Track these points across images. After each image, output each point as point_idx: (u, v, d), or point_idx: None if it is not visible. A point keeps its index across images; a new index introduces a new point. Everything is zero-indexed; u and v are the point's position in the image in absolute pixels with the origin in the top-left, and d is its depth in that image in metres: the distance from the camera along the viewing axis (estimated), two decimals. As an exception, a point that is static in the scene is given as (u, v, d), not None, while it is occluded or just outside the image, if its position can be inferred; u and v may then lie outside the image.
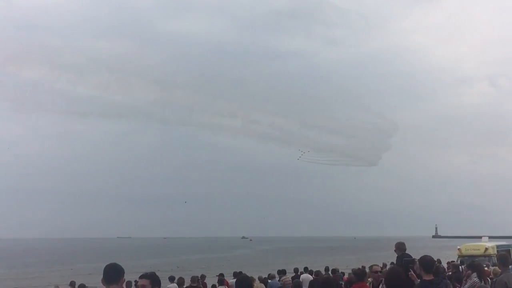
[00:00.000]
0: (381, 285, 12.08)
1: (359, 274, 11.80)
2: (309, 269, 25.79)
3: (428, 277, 9.11)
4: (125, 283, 8.92)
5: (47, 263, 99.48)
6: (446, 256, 45.25)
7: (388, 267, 22.05)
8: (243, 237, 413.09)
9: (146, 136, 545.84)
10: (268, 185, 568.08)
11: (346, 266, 52.03)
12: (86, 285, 20.32)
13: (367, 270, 14.84)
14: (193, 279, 20.53)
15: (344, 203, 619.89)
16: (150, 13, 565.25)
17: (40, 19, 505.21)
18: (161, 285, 7.72)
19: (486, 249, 29.88)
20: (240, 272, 22.40)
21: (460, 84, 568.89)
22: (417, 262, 10.05)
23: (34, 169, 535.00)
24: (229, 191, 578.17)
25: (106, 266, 6.41)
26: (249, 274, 20.14)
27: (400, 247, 14.22)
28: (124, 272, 6.45)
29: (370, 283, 14.51)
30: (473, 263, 17.60)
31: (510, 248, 33.10)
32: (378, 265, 14.94)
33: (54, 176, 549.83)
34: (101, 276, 6.60)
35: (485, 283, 15.52)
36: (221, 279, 23.60)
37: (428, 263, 9.24)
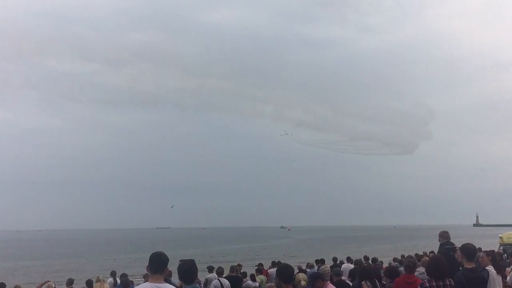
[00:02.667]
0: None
1: (411, 267, 11.61)
2: (350, 258, 25.64)
3: (469, 265, 9.11)
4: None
5: (87, 253, 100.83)
6: (487, 244, 44.60)
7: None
8: (282, 227, 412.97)
9: (181, 126, 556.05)
10: (303, 174, 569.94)
11: (385, 255, 51.70)
12: (128, 275, 20.45)
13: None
14: (232, 268, 20.57)
15: (383, 192, 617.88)
16: (184, 3, 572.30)
17: (75, 12, 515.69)
18: (198, 274, 7.66)
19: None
20: (279, 262, 22.42)
21: (499, 70, 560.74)
22: (458, 250, 9.95)
23: (77, 161, 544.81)
24: (265, 180, 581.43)
25: (152, 254, 6.37)
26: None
27: (443, 235, 14.17)
28: (168, 262, 6.44)
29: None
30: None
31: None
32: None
33: (95, 168, 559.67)
34: (140, 267, 6.63)
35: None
36: (260, 269, 23.66)
37: (469, 251, 9.19)
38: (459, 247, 10.37)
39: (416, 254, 25.68)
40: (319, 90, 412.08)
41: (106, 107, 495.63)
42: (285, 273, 7.97)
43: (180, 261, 6.75)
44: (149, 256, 6.51)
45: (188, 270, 6.80)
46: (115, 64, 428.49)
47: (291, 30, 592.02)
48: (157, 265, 6.27)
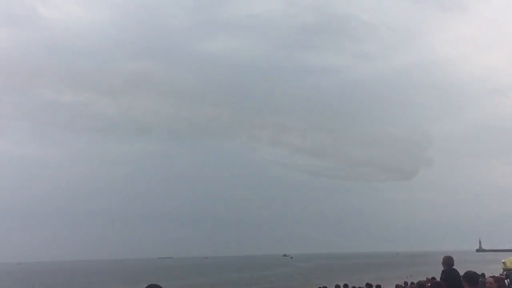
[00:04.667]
0: None
1: None
2: (349, 287, 25.16)
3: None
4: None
5: (92, 285, 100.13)
6: (491, 270, 44.14)
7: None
8: (284, 255, 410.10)
9: (177, 154, 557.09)
10: (304, 201, 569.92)
11: (388, 282, 50.96)
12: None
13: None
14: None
15: (384, 218, 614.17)
16: (181, 33, 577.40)
17: (69, 42, 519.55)
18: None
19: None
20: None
21: (496, 95, 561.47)
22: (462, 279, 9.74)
23: (75, 193, 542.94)
24: (266, 208, 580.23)
25: (148, 286, 6.10)
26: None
27: (447, 262, 13.79)
28: None
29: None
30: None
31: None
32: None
33: (94, 198, 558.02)
34: None
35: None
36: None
37: (472, 276, 9.14)
38: (462, 275, 10.17)
39: (419, 281, 25.18)
40: (316, 117, 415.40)
41: (101, 136, 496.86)
42: None
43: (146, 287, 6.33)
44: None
45: None
46: (110, 93, 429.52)
47: (288, 58, 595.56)
48: None
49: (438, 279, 13.89)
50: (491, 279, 10.91)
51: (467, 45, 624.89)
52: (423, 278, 30.72)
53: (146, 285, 6.13)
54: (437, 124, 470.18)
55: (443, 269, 13.87)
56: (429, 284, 17.11)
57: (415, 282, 23.58)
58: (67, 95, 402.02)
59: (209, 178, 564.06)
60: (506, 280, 22.20)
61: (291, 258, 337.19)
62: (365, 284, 28.41)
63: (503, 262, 30.06)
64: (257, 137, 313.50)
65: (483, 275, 27.42)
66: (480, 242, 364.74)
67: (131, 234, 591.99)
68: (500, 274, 29.30)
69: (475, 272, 9.51)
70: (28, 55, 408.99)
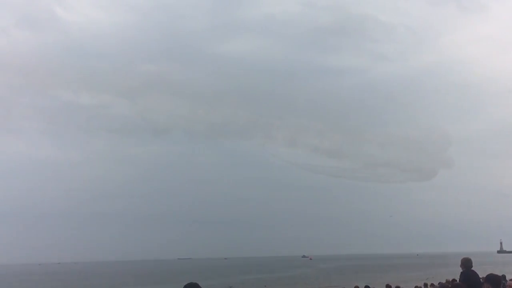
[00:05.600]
0: None
1: None
2: (370, 287, 25.06)
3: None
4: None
5: (115, 286, 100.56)
6: (510, 272, 43.57)
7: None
8: (303, 256, 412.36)
9: (194, 155, 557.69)
10: (322, 202, 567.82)
11: (408, 283, 50.63)
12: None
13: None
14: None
15: (404, 219, 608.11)
16: (199, 36, 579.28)
17: (91, 45, 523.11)
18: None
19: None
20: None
21: None
22: (484, 280, 9.67)
23: (94, 193, 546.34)
24: (285, 209, 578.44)
25: (186, 285, 6.31)
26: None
27: (465, 264, 13.64)
28: None
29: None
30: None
31: None
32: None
33: (111, 199, 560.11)
34: None
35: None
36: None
37: (495, 279, 9.09)
38: (484, 277, 10.02)
39: (440, 283, 25.00)
40: (334, 117, 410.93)
41: (119, 137, 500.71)
42: None
43: (184, 286, 6.42)
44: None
45: None
46: (127, 95, 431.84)
47: (305, 59, 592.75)
48: None
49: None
50: (511, 282, 10.81)
51: (486, 45, 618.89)
52: (443, 280, 30.50)
53: (171, 285, 6.23)
54: (457, 124, 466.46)
55: (461, 270, 13.77)
56: (450, 286, 17.07)
57: (435, 283, 23.46)
58: (84, 96, 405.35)
59: (226, 179, 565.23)
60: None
61: (311, 259, 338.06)
62: (385, 285, 28.25)
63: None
64: (273, 137, 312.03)
65: (503, 277, 27.09)
66: (501, 243, 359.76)
67: (150, 235, 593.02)
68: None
69: (497, 275, 9.42)
70: (46, 57, 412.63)
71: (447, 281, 25.52)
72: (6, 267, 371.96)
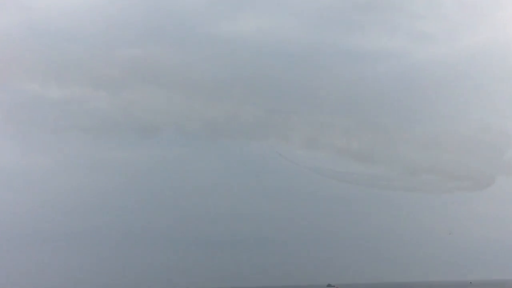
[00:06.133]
0: None
1: None
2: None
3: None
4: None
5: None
6: None
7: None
8: (329, 285, 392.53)
9: (191, 159, 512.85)
10: (349, 218, 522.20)
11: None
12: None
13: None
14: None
15: (453, 238, 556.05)
16: (195, 13, 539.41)
17: (59, 25, 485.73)
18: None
19: None
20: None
21: None
22: None
23: (66, 208, 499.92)
24: (302, 227, 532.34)
25: None
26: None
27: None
28: None
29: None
30: None
31: None
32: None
33: (89, 215, 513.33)
34: None
35: None
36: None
37: None
38: None
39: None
40: (365, 112, 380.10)
41: (96, 139, 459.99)
42: None
43: None
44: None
45: None
46: (107, 86, 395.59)
47: (328, 41, 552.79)
48: None
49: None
50: None
51: None
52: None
53: None
54: None
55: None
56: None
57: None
58: (53, 89, 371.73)
59: (230, 189, 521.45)
60: None
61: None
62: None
63: None
64: (289, 138, 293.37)
65: None
66: None
67: (135, 258, 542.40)
68: None
69: None
70: (4, 40, 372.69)
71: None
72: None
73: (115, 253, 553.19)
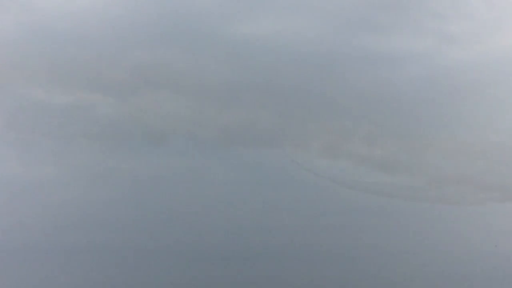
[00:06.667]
0: None
1: None
2: None
3: None
4: None
5: None
6: None
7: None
8: None
9: (205, 168, 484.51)
10: (374, 231, 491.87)
11: None
12: None
13: None
14: None
15: (486, 253, 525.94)
16: (209, 14, 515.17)
17: (65, 27, 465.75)
18: None
19: None
20: None
21: None
22: None
23: (72, 220, 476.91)
24: (326, 241, 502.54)
25: None
26: None
27: None
28: None
29: None
30: None
31: None
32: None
33: (98, 229, 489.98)
34: None
35: None
36: None
37: None
38: None
39: None
40: (389, 119, 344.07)
41: (104, 147, 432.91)
42: None
43: None
44: None
45: None
46: (115, 92, 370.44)
47: (350, 43, 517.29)
48: None
49: None
50: None
51: None
52: None
53: None
54: None
55: None
56: None
57: None
58: (57, 94, 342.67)
59: (245, 201, 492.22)
60: None
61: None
62: None
63: None
64: (307, 146, 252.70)
65: None
66: None
67: (146, 276, 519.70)
68: None
69: None
70: (6, 43, 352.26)
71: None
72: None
73: (122, 266, 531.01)
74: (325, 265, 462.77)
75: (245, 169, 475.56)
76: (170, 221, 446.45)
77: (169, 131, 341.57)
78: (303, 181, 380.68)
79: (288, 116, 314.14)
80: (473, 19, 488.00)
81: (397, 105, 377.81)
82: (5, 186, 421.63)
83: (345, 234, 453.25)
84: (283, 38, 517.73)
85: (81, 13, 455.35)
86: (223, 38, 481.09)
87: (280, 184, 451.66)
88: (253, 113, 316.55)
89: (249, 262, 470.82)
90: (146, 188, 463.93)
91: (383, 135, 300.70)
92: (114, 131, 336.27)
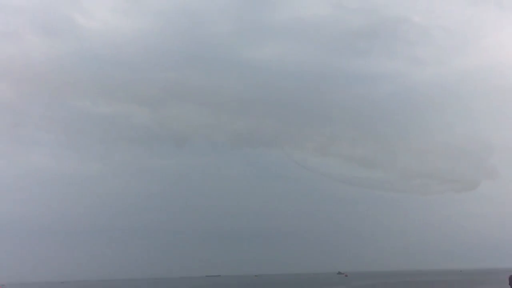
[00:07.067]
0: None
1: None
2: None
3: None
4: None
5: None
6: None
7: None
8: (339, 273, 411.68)
9: (220, 167, 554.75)
10: (357, 215, 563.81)
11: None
12: None
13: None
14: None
15: (445, 233, 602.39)
16: (225, 41, 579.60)
17: (111, 53, 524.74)
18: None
19: None
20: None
21: None
22: None
23: (115, 207, 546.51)
24: (315, 223, 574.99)
25: None
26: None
27: (514, 280, 6.51)
28: None
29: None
30: None
31: None
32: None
33: (134, 214, 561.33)
34: None
35: None
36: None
37: None
38: None
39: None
40: (368, 125, 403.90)
41: (139, 148, 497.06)
42: None
43: None
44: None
45: None
46: (147, 103, 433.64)
47: (337, 64, 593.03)
48: None
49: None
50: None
51: None
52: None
53: None
54: (502, 131, 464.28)
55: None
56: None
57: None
58: (102, 106, 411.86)
59: (253, 192, 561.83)
60: None
61: (346, 276, 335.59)
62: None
63: None
64: (303, 147, 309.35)
65: None
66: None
67: (175, 251, 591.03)
68: None
69: None
70: (63, 65, 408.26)
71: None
72: (29, 285, 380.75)
73: (157, 247, 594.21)
74: (316, 242, 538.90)
75: (252, 165, 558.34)
76: (192, 207, 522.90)
77: (191, 135, 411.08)
78: (299, 175, 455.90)
79: (287, 123, 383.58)
80: (436, 45, 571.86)
81: (374, 115, 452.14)
82: (64, 180, 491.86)
83: (333, 218, 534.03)
84: (282, 61, 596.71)
85: (122, 41, 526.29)
86: (234, 62, 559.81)
87: (280, 178, 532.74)
88: (258, 120, 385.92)
89: (255, 239, 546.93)
90: (173, 181, 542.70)
91: (363, 139, 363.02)
92: (147, 135, 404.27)
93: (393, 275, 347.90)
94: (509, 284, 14.31)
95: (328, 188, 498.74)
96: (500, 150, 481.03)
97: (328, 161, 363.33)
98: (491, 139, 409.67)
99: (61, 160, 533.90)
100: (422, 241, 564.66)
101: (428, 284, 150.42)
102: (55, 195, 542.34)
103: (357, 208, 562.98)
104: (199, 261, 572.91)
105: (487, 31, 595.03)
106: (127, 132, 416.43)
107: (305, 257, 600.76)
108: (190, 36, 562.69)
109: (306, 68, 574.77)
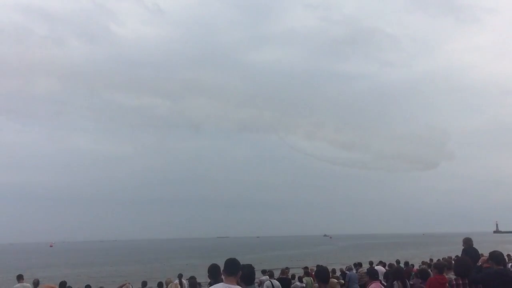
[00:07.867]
0: None
1: (440, 268, 10.95)
2: (382, 262, 25.38)
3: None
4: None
5: (157, 260, 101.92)
6: (508, 250, 43.90)
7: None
8: (325, 235, 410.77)
9: (228, 149, 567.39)
10: (339, 188, 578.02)
11: (415, 259, 50.56)
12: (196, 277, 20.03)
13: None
14: (283, 271, 20.82)
15: (412, 203, 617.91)
16: (231, 47, 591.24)
17: (139, 56, 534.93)
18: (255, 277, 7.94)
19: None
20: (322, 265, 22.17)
21: (509, 94, 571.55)
22: (488, 256, 9.67)
23: (144, 181, 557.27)
24: (306, 194, 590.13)
25: (227, 260, 6.39)
26: (330, 267, 20.29)
27: (467, 242, 13.94)
28: (240, 266, 6.44)
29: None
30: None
31: None
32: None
33: (158, 185, 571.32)
34: (205, 272, 7.03)
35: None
36: (306, 271, 23.23)
37: (498, 256, 8.96)
38: (488, 254, 9.99)
39: (444, 258, 25.12)
40: (348, 115, 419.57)
41: (162, 133, 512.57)
42: (321, 273, 7.93)
43: (226, 260, 6.56)
44: (210, 263, 7.50)
45: (248, 273, 7.15)
46: (169, 97, 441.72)
47: (322, 66, 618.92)
48: (231, 268, 6.28)
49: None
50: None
51: (482, 53, 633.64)
52: (445, 256, 30.75)
53: (212, 260, 6.59)
54: (456, 121, 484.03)
55: (463, 248, 13.94)
56: (451, 261, 17.37)
57: (440, 259, 23.59)
58: (133, 99, 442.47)
59: (254, 169, 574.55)
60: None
61: (331, 238, 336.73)
62: (395, 260, 28.63)
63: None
64: (294, 133, 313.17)
65: (508, 256, 26.57)
66: (497, 224, 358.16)
67: (194, 216, 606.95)
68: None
69: (501, 252, 9.30)
70: (100, 66, 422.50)
71: (449, 257, 25.82)
72: (72, 243, 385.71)
73: (179, 212, 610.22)
74: (305, 210, 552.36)
75: (253, 148, 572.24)
76: (204, 181, 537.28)
77: (204, 123, 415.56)
78: (292, 155, 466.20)
79: (282, 113, 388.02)
80: (404, 51, 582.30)
81: (353, 107, 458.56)
82: (99, 158, 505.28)
83: (319, 190, 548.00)
84: (278, 64, 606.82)
85: (148, 46, 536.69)
86: (240, 63, 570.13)
87: (276, 157, 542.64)
88: (258, 111, 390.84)
89: (256, 207, 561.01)
90: (189, 160, 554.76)
91: (344, 126, 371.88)
92: (168, 123, 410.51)
93: (369, 237, 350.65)
94: (463, 245, 13.93)
95: (315, 166, 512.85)
96: (457, 136, 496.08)
97: (315, 144, 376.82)
98: (449, 127, 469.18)
99: (97, 143, 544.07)
100: (392, 209, 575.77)
101: (396, 245, 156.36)
102: (93, 171, 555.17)
103: (338, 182, 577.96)
104: (211, 225, 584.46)
105: (446, 39, 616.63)
106: (152, 120, 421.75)
107: (297, 222, 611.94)
108: (204, 42, 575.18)
109: (297, 69, 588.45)
